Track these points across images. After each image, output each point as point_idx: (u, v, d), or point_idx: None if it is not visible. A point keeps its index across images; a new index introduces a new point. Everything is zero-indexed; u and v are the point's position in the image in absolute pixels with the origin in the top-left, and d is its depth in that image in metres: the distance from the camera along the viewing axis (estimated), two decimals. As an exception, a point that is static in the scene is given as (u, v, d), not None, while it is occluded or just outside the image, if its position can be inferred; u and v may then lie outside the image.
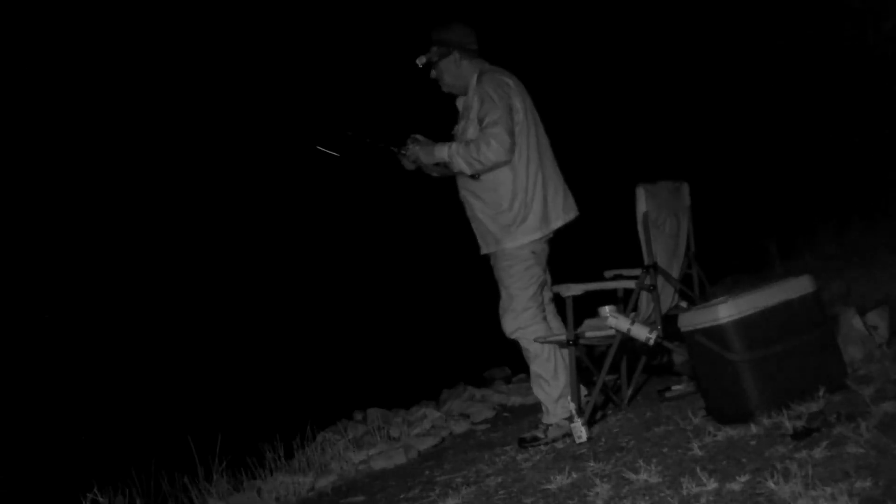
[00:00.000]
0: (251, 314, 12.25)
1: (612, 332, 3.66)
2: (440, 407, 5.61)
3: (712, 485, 2.35)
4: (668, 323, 3.64)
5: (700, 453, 2.72)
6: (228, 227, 14.58)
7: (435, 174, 3.94)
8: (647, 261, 3.75)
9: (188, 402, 8.35)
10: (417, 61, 3.85)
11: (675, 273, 4.05)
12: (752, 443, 2.66)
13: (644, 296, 3.78)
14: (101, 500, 4.01)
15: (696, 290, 4.29)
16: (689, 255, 4.23)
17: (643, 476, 2.63)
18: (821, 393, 2.81)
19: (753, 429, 2.77)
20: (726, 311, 2.92)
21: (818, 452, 2.34)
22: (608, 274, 4.12)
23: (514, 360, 7.10)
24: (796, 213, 9.19)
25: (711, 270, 4.81)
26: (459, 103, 3.97)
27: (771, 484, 2.19)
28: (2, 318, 10.90)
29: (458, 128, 3.90)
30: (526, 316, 3.78)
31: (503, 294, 3.84)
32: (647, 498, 2.45)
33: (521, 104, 3.78)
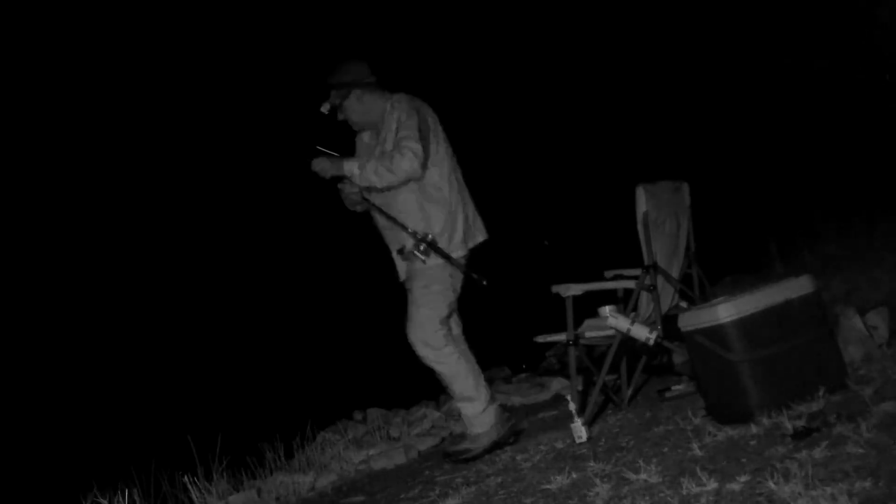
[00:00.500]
0: (251, 314, 12.25)
1: (612, 332, 3.66)
2: (440, 407, 5.62)
3: (712, 485, 2.35)
4: (668, 323, 3.65)
5: (700, 453, 2.72)
6: (228, 228, 14.58)
7: (358, 208, 3.94)
8: (647, 261, 3.75)
9: (188, 402, 8.35)
10: (322, 109, 3.84)
11: (675, 273, 4.05)
12: (752, 443, 2.66)
13: (644, 296, 3.78)
14: (101, 500, 4.01)
15: (696, 290, 4.30)
16: (689, 255, 4.24)
17: (643, 476, 2.63)
18: (821, 393, 2.81)
19: (753, 429, 2.77)
20: (726, 311, 2.92)
21: (818, 452, 2.34)
22: (608, 274, 4.13)
23: (513, 361, 7.12)
24: (796, 213, 9.19)
25: (711, 270, 4.82)
26: (365, 137, 3.98)
27: (771, 484, 2.19)
28: (2, 318, 10.90)
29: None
30: (439, 337, 3.81)
31: (415, 314, 3.83)
32: (647, 498, 2.45)
33: (433, 124, 3.85)
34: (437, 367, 3.84)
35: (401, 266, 3.97)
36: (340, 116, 3.91)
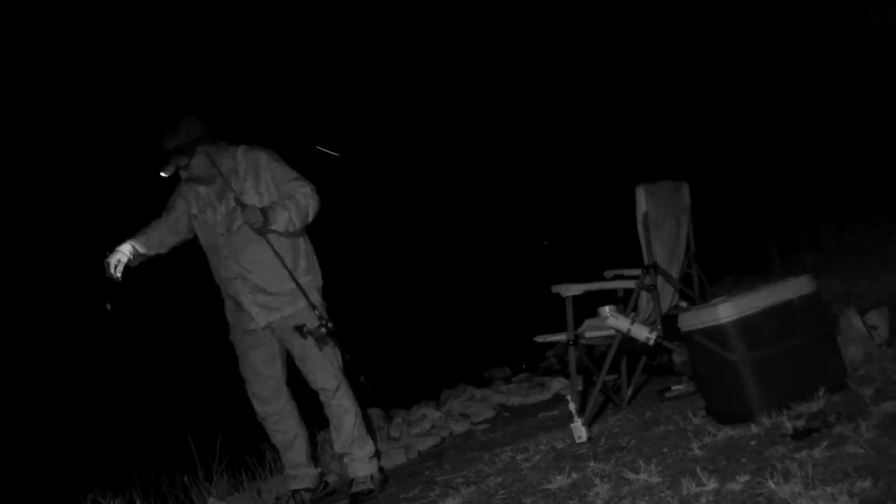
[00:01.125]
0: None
1: (612, 332, 3.66)
2: (440, 407, 5.61)
3: (712, 485, 2.35)
4: (668, 323, 3.64)
5: (700, 453, 2.72)
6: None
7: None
8: (647, 261, 3.75)
9: (188, 401, 8.34)
10: (164, 173, 3.71)
11: (675, 273, 4.05)
12: (752, 443, 2.66)
13: (644, 296, 3.78)
14: (101, 500, 4.02)
15: (696, 290, 4.30)
16: (689, 255, 4.23)
17: (643, 476, 2.63)
18: (821, 393, 2.81)
19: (753, 429, 2.77)
20: (726, 311, 2.92)
21: (818, 452, 2.34)
22: (608, 274, 4.13)
23: (513, 361, 7.13)
24: (796, 213, 9.19)
25: (711, 270, 4.82)
26: (202, 190, 3.84)
27: (771, 484, 2.19)
28: (2, 318, 10.90)
29: (223, 208, 3.80)
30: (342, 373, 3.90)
31: (320, 355, 3.86)
32: (647, 498, 2.45)
33: None
34: (343, 402, 3.88)
35: (267, 311, 3.88)
36: (184, 175, 3.77)
